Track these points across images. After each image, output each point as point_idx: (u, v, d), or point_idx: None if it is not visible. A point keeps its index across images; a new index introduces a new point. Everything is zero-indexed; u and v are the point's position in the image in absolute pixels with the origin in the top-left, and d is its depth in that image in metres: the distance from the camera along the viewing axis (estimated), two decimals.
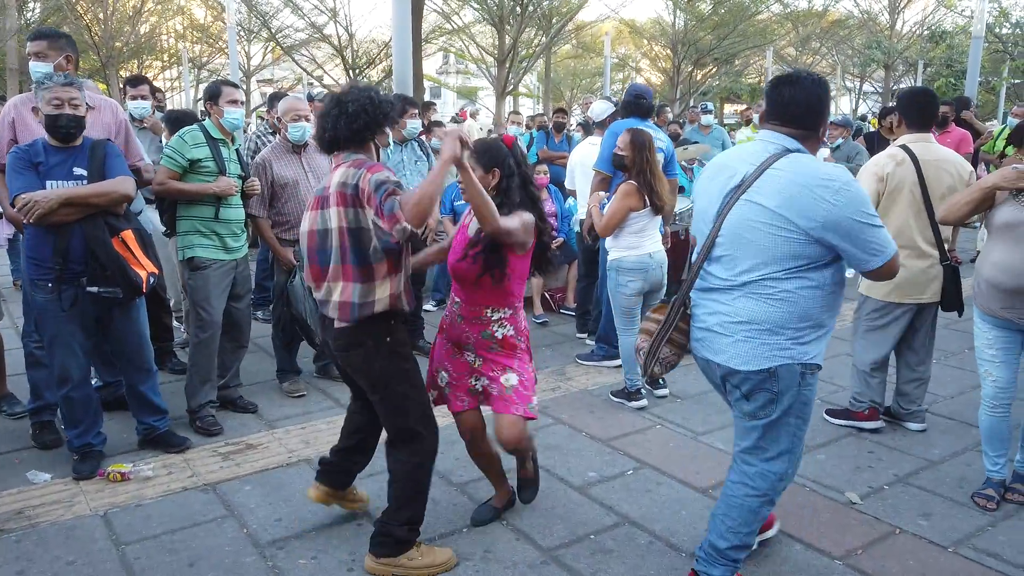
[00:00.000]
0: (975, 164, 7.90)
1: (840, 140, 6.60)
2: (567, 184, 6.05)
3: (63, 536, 3.10)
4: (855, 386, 4.22)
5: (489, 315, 2.96)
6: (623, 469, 3.74)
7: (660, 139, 5.09)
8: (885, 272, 2.46)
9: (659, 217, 4.50)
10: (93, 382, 4.11)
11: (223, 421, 4.20)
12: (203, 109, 4.35)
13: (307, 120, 4.50)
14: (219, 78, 5.35)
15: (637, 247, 4.46)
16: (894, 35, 29.88)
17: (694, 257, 2.65)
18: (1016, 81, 24.48)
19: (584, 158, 5.62)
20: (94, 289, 3.40)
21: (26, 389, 4.08)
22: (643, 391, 4.58)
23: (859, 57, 30.17)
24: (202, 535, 3.12)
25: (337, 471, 3.16)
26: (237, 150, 4.26)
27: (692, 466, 3.76)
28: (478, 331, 2.97)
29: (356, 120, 2.67)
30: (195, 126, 4.13)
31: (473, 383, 3.03)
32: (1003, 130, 8.64)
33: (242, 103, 4.25)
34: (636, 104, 5.17)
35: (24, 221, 3.30)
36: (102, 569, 2.88)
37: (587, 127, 9.03)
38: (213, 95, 4.18)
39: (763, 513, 2.64)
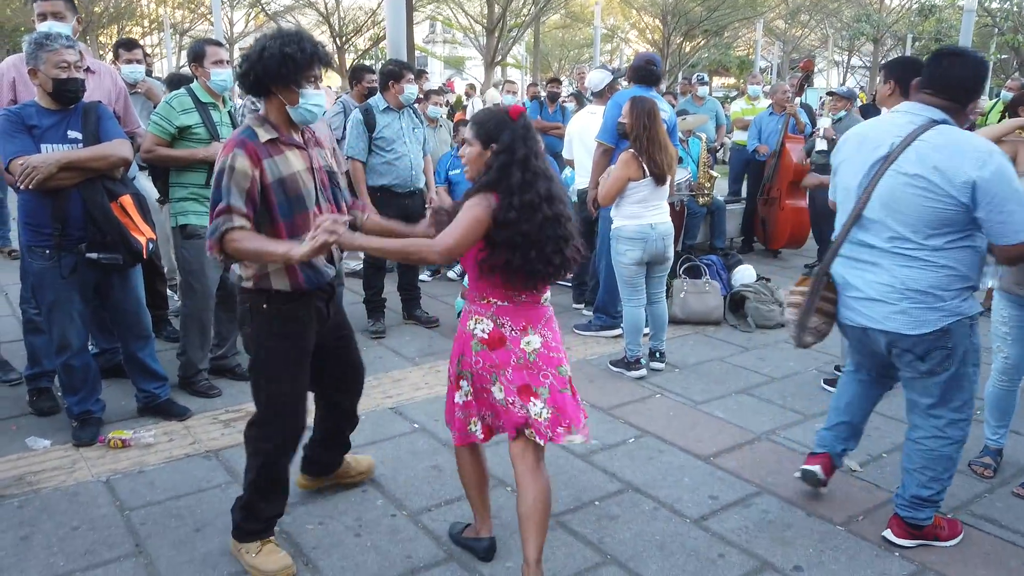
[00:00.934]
0: None
1: (843, 112, 6.52)
2: (564, 154, 6.01)
3: (66, 502, 3.08)
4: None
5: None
6: (624, 437, 3.76)
7: (664, 108, 5.05)
8: (1021, 251, 2.52)
9: (664, 187, 4.46)
10: (90, 349, 4.08)
11: (223, 389, 4.18)
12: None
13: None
14: (203, 38, 5.11)
15: (638, 217, 4.44)
16: (883, 8, 29.85)
17: (837, 228, 2.82)
18: (1004, 56, 24.54)
19: (583, 128, 5.57)
20: (94, 255, 3.35)
21: (18, 355, 4.04)
22: (642, 361, 4.60)
23: (848, 30, 30.13)
24: (208, 501, 3.11)
25: (315, 462, 3.13)
26: (230, 112, 4.14)
27: (693, 434, 3.80)
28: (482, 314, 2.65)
29: (243, 65, 2.50)
30: (182, 90, 4.00)
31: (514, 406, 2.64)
32: (995, 104, 8.67)
33: (228, 63, 4.07)
34: (647, 71, 5.11)
35: (21, 187, 3.23)
36: (108, 534, 2.87)
37: (579, 97, 8.96)
38: (197, 56, 3.99)
39: (959, 456, 2.82)
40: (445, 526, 2.96)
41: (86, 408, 3.60)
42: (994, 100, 8.98)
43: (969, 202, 2.50)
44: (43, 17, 3.68)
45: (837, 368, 4.41)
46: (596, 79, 5.68)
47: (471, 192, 2.43)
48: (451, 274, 6.78)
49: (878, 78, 3.78)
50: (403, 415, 3.92)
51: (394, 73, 4.92)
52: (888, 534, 2.91)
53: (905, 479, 2.88)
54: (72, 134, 3.32)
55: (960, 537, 2.91)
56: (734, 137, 9.21)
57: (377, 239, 2.53)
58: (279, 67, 2.44)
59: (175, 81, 5.16)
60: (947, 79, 2.66)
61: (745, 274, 6.07)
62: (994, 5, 22.76)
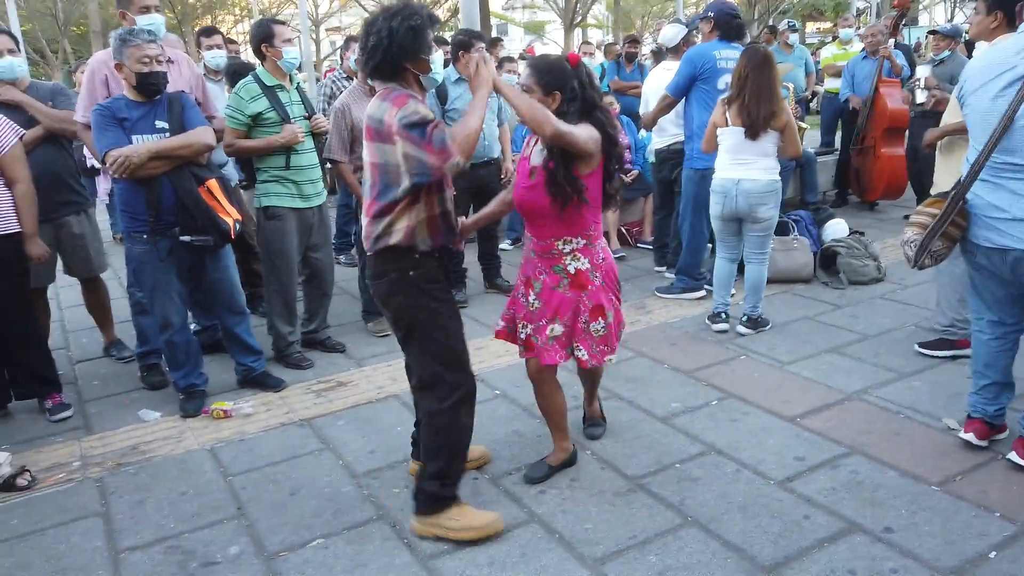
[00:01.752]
0: None
1: (947, 52, 5.94)
2: (642, 113, 5.89)
3: (176, 469, 3.32)
4: (948, 313, 4.02)
5: (560, 248, 2.83)
6: (707, 400, 3.71)
7: None
8: None
9: (759, 143, 4.25)
10: (192, 327, 4.35)
11: (315, 361, 4.37)
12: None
13: None
14: (266, 18, 5.13)
15: (723, 169, 4.38)
16: None
17: (972, 155, 2.83)
18: None
19: (660, 85, 5.43)
20: (187, 238, 3.55)
21: (131, 335, 4.34)
22: (723, 315, 4.58)
23: None
24: (301, 467, 3.28)
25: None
26: (298, 87, 4.20)
27: (778, 395, 3.70)
28: (549, 266, 2.86)
29: (375, 55, 2.48)
30: (248, 78, 4.08)
31: (519, 326, 2.97)
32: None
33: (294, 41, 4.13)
34: (728, 24, 4.94)
35: (116, 176, 3.44)
36: (213, 498, 3.08)
37: (659, 54, 8.72)
38: (267, 36, 4.01)
39: None
40: (524, 488, 3.02)
41: (191, 382, 3.84)
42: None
43: None
44: (142, 11, 3.79)
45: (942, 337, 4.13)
46: (669, 34, 5.52)
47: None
48: None
49: (972, 10, 3.50)
50: (485, 382, 3.99)
51: (463, 43, 4.91)
52: (1014, 456, 2.92)
53: None
54: (160, 124, 3.51)
55: None
56: (826, 85, 8.76)
57: (518, 94, 2.61)
58: (412, 41, 2.44)
59: (233, 72, 5.18)
60: None
61: (837, 228, 5.81)
62: None
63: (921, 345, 4.11)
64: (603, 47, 11.91)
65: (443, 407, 2.65)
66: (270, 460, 3.35)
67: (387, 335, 4.76)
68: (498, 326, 3.12)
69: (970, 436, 3.08)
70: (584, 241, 2.84)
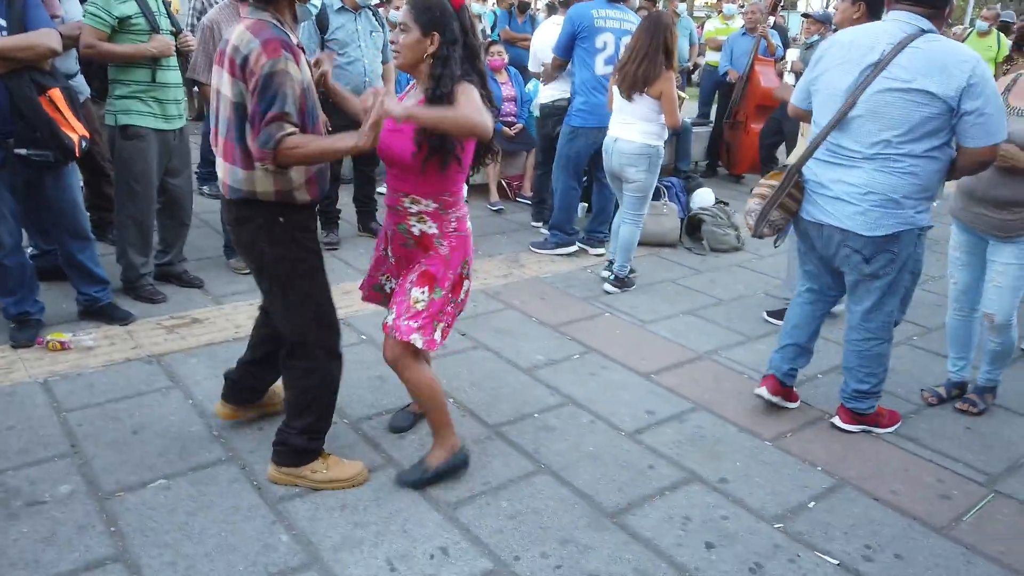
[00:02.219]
0: None
1: (816, 37, 6.25)
2: (530, 67, 5.85)
3: (2, 402, 3.05)
4: (793, 285, 4.28)
5: (407, 206, 2.54)
6: (570, 353, 3.81)
7: (628, 19, 4.96)
8: (988, 155, 2.71)
9: (633, 105, 4.36)
10: (28, 251, 3.98)
11: (168, 296, 4.12)
12: None
13: None
14: None
15: (610, 126, 4.60)
16: None
17: (815, 130, 2.95)
18: None
19: (548, 39, 5.41)
20: (23, 151, 3.21)
21: None
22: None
23: None
24: (147, 404, 3.11)
25: (243, 388, 2.94)
26: (164, 1, 3.90)
27: (637, 352, 3.85)
28: (395, 223, 2.60)
29: None
30: None
31: (382, 281, 2.79)
32: (970, 33, 8.60)
33: None
34: None
35: None
36: (43, 434, 2.86)
37: (552, 7, 8.68)
38: None
39: (888, 352, 3.11)
40: (383, 433, 3.00)
41: (23, 309, 3.53)
42: (969, 29, 8.90)
43: (956, 105, 2.63)
44: None
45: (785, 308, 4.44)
46: None
47: (443, 85, 2.35)
48: None
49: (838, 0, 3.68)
50: (351, 326, 3.91)
51: None
52: (836, 420, 3.21)
53: (846, 376, 3.17)
54: None
55: (898, 425, 3.24)
56: (707, 58, 9.04)
57: (431, 110, 2.31)
58: None
59: None
60: None
61: (703, 197, 6.06)
62: None
63: (768, 313, 4.38)
64: None
65: (313, 365, 2.58)
66: (111, 396, 3.15)
67: (249, 272, 4.54)
68: (363, 293, 2.89)
69: (762, 391, 3.28)
70: (435, 205, 2.52)
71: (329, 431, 2.75)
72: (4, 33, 3.14)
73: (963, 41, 8.43)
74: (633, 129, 4.41)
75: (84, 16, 3.67)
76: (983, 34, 8.45)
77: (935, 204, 3.05)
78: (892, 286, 2.96)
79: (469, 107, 2.30)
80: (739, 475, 2.88)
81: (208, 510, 2.51)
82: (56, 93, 3.24)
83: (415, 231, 2.57)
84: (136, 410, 3.06)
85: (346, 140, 2.31)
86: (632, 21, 4.98)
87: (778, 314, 4.34)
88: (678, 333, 4.12)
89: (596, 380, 3.55)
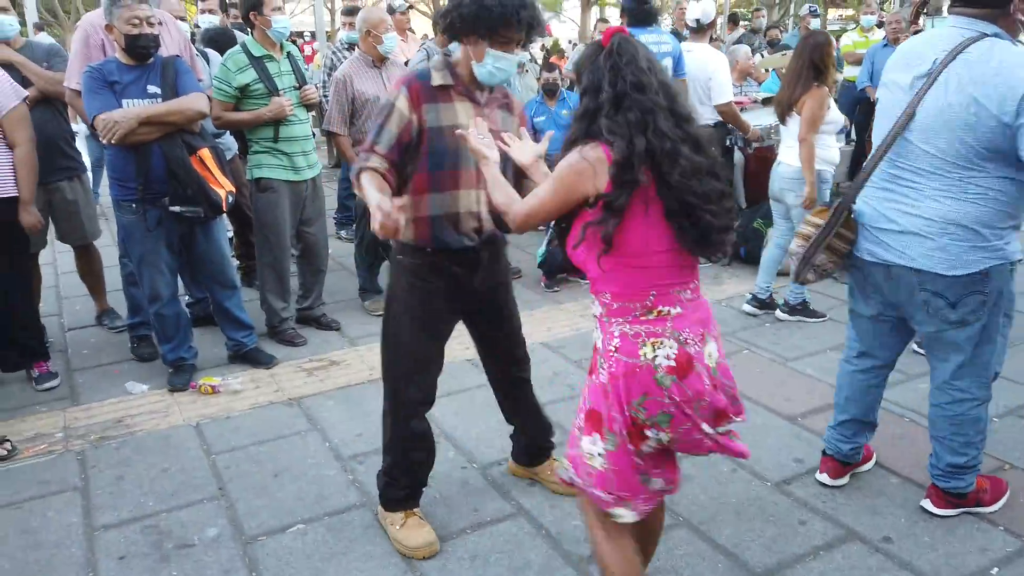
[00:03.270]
0: None
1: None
2: None
3: (159, 444, 3.25)
4: (764, 276, 4.19)
5: (591, 302, 2.01)
6: None
7: (664, 42, 4.84)
8: None
9: (790, 127, 4.38)
10: (184, 299, 4.27)
11: (309, 338, 4.29)
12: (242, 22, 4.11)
13: (393, 31, 4.36)
14: None
15: None
16: None
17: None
18: None
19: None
20: (177, 208, 3.45)
21: (123, 305, 4.27)
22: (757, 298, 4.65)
23: None
24: (287, 447, 3.21)
25: (518, 447, 2.92)
26: (289, 54, 4.08)
27: (781, 392, 3.60)
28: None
29: (445, 8, 2.33)
30: (236, 48, 3.98)
31: None
32: None
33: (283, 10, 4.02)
34: (634, 11, 4.91)
35: (105, 142, 3.33)
36: (194, 476, 3.01)
37: (677, 36, 8.53)
38: (256, 4, 3.89)
39: (987, 416, 2.60)
40: (514, 480, 2.93)
41: (179, 355, 3.77)
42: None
43: (1012, 120, 2.20)
44: None
45: None
46: (706, 10, 5.32)
47: (564, 147, 1.92)
48: None
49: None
50: (479, 367, 3.89)
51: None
52: (927, 504, 2.70)
53: (936, 448, 2.65)
54: (152, 89, 3.40)
55: (1007, 496, 2.70)
56: (845, 73, 8.56)
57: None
58: (473, 17, 2.23)
59: (210, 38, 5.01)
60: None
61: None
62: None
63: (919, 344, 3.99)
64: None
65: (384, 407, 2.59)
66: (255, 439, 3.28)
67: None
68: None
69: (824, 477, 2.86)
70: (599, 308, 1.94)
71: (459, 477, 2.71)
72: (159, 100, 3.40)
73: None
74: (793, 153, 4.27)
75: (213, 90, 3.94)
76: None
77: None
78: (985, 334, 2.46)
79: (523, 206, 1.96)
80: (904, 534, 2.59)
81: (343, 556, 2.53)
82: (205, 152, 3.47)
83: (595, 338, 1.99)
84: (277, 453, 3.17)
85: (374, 198, 2.08)
86: (668, 43, 4.90)
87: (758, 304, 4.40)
88: (826, 372, 3.81)
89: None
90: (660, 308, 1.86)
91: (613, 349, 1.87)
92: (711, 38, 5.61)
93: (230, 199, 3.55)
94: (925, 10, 7.29)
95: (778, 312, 4.55)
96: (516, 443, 2.93)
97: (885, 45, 7.06)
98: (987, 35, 2.32)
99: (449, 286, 2.47)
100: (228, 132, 4.61)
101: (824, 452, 2.89)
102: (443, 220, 2.39)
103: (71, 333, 4.52)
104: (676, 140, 1.80)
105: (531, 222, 1.96)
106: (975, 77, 2.27)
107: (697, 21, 5.37)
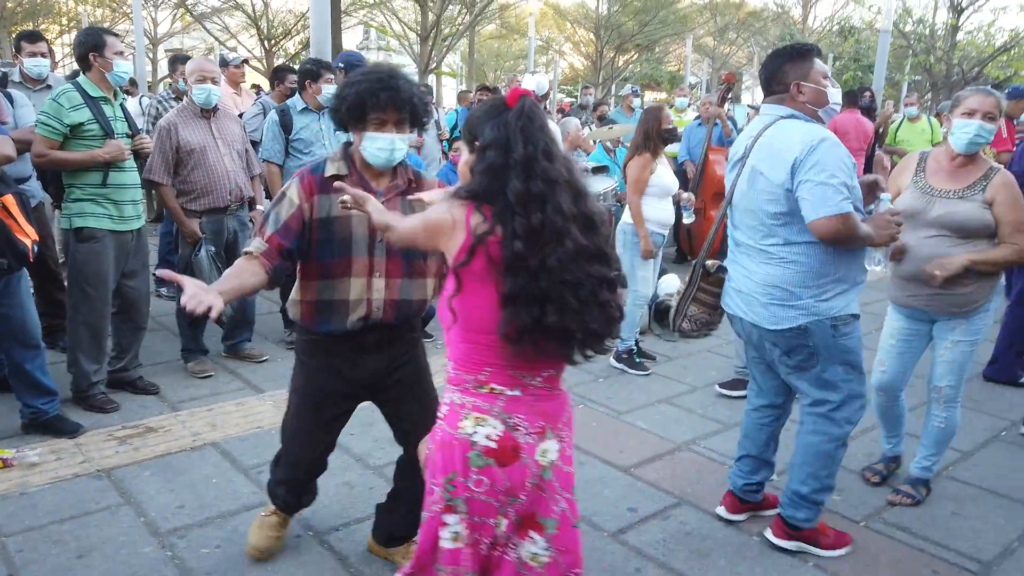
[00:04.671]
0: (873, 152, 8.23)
1: None
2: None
3: None
4: (742, 355, 4.29)
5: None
6: None
7: None
8: (824, 229, 2.49)
9: None
10: None
11: (122, 404, 3.92)
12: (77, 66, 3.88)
13: (214, 83, 4.21)
14: (97, 26, 4.48)
15: None
16: (806, 29, 30.97)
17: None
18: (917, 78, 25.68)
19: None
20: None
21: None
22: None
23: (775, 48, 31.12)
24: (94, 524, 2.88)
25: (381, 524, 2.76)
26: (122, 104, 3.87)
27: (615, 444, 3.74)
28: None
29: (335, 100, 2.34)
30: (69, 85, 3.70)
31: None
32: (901, 121, 9.00)
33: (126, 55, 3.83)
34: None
35: None
36: None
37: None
38: (97, 45, 3.67)
39: (839, 456, 2.80)
40: (352, 546, 2.81)
41: None
42: (900, 116, 9.32)
43: (790, 184, 2.53)
44: None
45: (736, 377, 4.49)
46: (540, 82, 5.62)
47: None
48: None
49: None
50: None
51: (311, 72, 4.73)
52: (768, 533, 2.90)
53: (789, 474, 2.88)
54: None
55: (846, 550, 2.85)
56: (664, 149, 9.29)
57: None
58: (341, 108, 2.26)
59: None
60: (767, 75, 2.75)
61: (670, 283, 6.02)
62: (908, 28, 23.80)
63: (721, 385, 4.40)
64: (457, 94, 12.06)
65: (273, 469, 2.76)
66: (56, 517, 2.92)
67: (208, 376, 4.38)
68: None
69: (721, 510, 3.07)
70: (455, 386, 1.83)
71: (293, 543, 2.58)
72: None
73: (897, 128, 8.85)
74: (626, 212, 4.70)
75: (36, 125, 3.63)
76: (913, 119, 8.89)
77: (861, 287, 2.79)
78: (824, 381, 2.70)
79: (398, 223, 1.80)
80: (729, 575, 2.73)
81: None
82: (9, 199, 3.14)
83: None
84: (82, 531, 2.83)
85: (216, 291, 1.90)
86: None
87: (730, 385, 4.44)
88: (655, 423, 4.02)
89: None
90: (493, 386, 1.76)
91: (441, 417, 1.83)
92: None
93: (35, 249, 3.22)
94: (730, 96, 8.13)
95: (611, 358, 4.77)
96: (381, 523, 2.75)
97: (699, 124, 7.78)
98: (782, 117, 2.67)
99: (334, 368, 2.47)
100: (35, 177, 4.21)
101: (729, 489, 3.09)
102: (329, 306, 2.39)
103: None
104: (569, 219, 1.71)
105: (408, 243, 1.86)
106: (762, 155, 2.64)
107: (537, 93, 5.68)
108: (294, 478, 2.67)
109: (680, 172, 8.12)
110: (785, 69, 2.69)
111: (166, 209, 4.44)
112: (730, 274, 2.86)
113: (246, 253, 2.26)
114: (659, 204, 4.71)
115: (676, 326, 2.99)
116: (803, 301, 2.62)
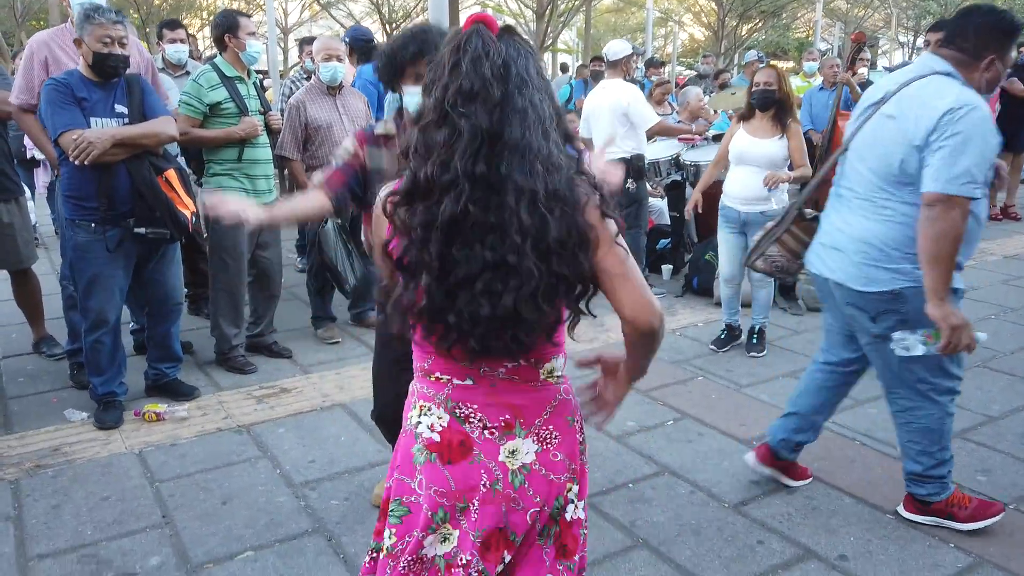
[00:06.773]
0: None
1: None
2: (582, 132, 5.70)
3: (99, 472, 3.10)
4: None
5: None
6: (663, 419, 3.62)
7: None
8: (947, 206, 2.27)
9: None
10: (130, 326, 4.12)
11: (258, 366, 4.18)
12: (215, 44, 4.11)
13: (339, 60, 4.37)
14: (232, 9, 4.65)
15: None
16: None
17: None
18: None
19: (595, 105, 5.38)
20: (142, 230, 3.33)
21: (62, 331, 4.11)
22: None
23: (914, 9, 28.89)
24: (236, 474, 3.10)
25: None
26: (255, 83, 4.09)
27: (736, 417, 3.63)
28: None
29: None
30: (207, 67, 3.96)
31: None
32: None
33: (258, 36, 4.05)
34: (362, 49, 5.37)
35: (76, 162, 3.16)
36: (136, 505, 2.87)
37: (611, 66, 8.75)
38: (231, 27, 3.90)
39: (947, 426, 2.63)
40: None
41: (110, 390, 3.52)
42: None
43: (922, 144, 2.33)
44: None
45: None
46: (615, 48, 5.47)
47: None
48: None
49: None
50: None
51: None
52: (900, 508, 2.80)
53: (902, 453, 2.77)
54: (119, 108, 3.30)
55: (991, 521, 2.67)
56: None
57: None
58: (381, 68, 2.38)
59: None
60: (958, 28, 2.47)
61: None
62: None
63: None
64: (576, 68, 11.98)
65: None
66: (202, 467, 3.16)
67: (336, 342, 4.59)
68: None
69: (750, 456, 3.02)
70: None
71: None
72: (126, 120, 3.31)
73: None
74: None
75: (179, 104, 3.89)
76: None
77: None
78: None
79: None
80: (860, 552, 2.61)
81: None
82: (171, 174, 3.38)
83: None
84: (225, 480, 3.05)
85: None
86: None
87: (717, 342, 4.49)
88: (779, 397, 3.87)
89: (693, 448, 3.35)
90: (439, 375, 1.48)
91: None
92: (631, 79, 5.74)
93: (194, 219, 3.46)
94: (861, 56, 7.58)
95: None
96: None
97: (821, 89, 7.35)
98: (938, 72, 2.43)
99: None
100: (180, 155, 4.53)
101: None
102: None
103: (6, 361, 4.32)
104: (479, 180, 1.28)
105: None
106: (903, 106, 2.43)
107: (607, 58, 5.56)
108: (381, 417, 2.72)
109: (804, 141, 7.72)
110: (985, 36, 2.41)
111: (296, 184, 4.65)
112: (822, 226, 2.70)
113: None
114: (732, 175, 4.43)
115: (749, 262, 2.89)
116: (901, 265, 2.43)
